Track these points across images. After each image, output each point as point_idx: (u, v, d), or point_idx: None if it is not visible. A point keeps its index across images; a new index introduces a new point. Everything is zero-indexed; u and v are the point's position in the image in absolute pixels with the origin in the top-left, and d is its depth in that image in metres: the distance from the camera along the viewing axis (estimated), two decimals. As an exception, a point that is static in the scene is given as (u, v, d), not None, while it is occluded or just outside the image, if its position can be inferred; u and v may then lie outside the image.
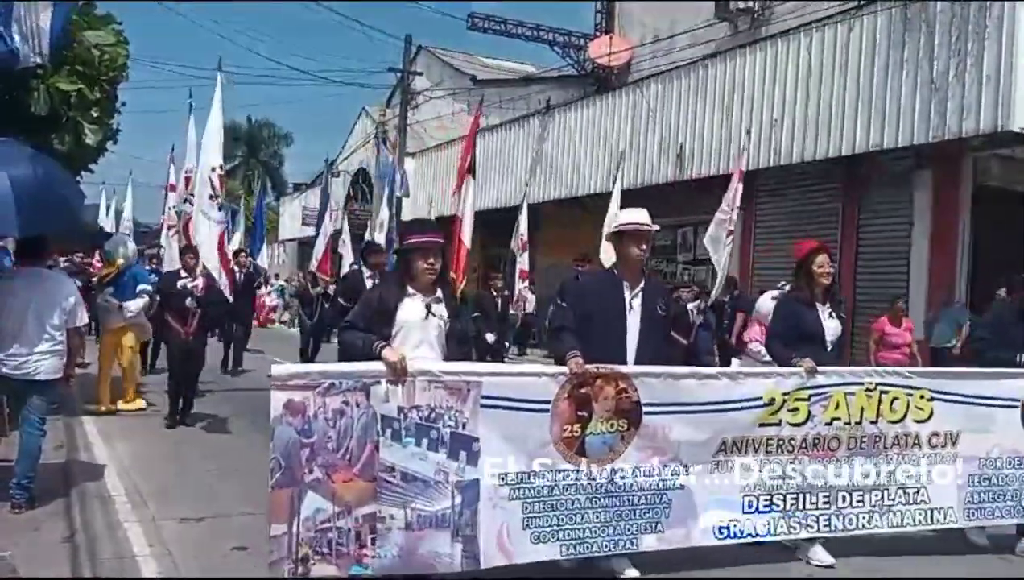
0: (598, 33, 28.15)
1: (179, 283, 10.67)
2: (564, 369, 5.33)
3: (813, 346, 6.12)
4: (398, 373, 4.91)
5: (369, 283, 10.70)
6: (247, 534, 6.25)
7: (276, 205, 50.52)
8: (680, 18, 22.35)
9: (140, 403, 11.58)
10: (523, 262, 16.98)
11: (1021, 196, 14.57)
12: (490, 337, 13.68)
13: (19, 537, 6.15)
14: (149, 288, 11.27)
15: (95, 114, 10.42)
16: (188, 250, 11.25)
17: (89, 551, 5.95)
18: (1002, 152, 14.22)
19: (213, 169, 10.56)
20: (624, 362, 5.54)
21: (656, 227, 5.92)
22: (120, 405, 11.28)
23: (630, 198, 20.83)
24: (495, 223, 24.41)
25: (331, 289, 16.68)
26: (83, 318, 7.28)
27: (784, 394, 5.81)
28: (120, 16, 11.04)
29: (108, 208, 25.60)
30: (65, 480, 7.63)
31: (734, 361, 9.52)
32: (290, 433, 4.76)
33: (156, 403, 11.60)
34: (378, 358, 4.97)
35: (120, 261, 11.30)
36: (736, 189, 13.51)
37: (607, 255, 16.05)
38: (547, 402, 5.24)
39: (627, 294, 5.73)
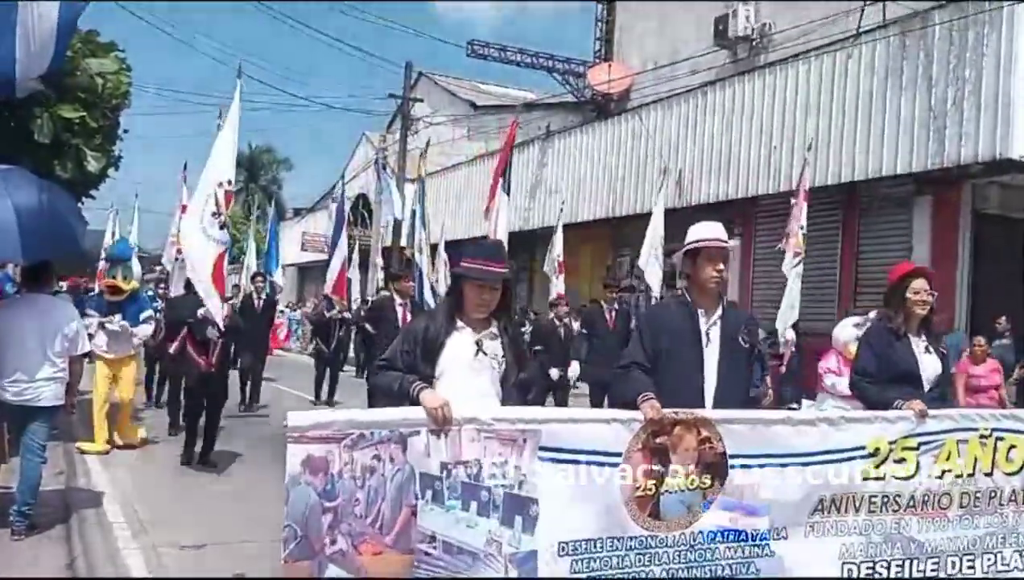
0: (598, 60, 28.31)
1: (200, 311, 9.57)
2: (637, 414, 4.45)
3: (908, 386, 5.27)
4: (441, 421, 4.11)
5: (400, 311, 10.30)
6: (247, 561, 6.25)
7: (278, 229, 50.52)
8: (679, 46, 22.50)
9: (140, 433, 10.78)
10: (559, 286, 16.19)
11: (1020, 223, 14.63)
12: (555, 373, 12.05)
13: (19, 564, 6.14)
14: (153, 313, 10.75)
15: (97, 141, 10.47)
16: None
17: (89, 578, 5.93)
18: (1001, 179, 14.28)
19: (220, 184, 9.34)
20: (700, 406, 4.69)
21: (734, 242, 5.28)
22: (117, 438, 10.41)
23: (629, 222, 21.06)
24: (495, 248, 24.45)
25: (347, 314, 16.39)
26: (85, 346, 7.30)
27: (890, 443, 4.88)
28: (122, 44, 11.14)
29: (113, 234, 25.49)
30: (65, 507, 7.60)
31: (822, 398, 8.32)
32: (309, 495, 3.99)
33: (159, 436, 11.22)
34: (416, 402, 4.20)
35: (135, 283, 10.64)
36: (801, 208, 13.06)
37: (653, 280, 15.75)
38: (617, 455, 4.38)
39: (703, 324, 4.88)
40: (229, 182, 9.45)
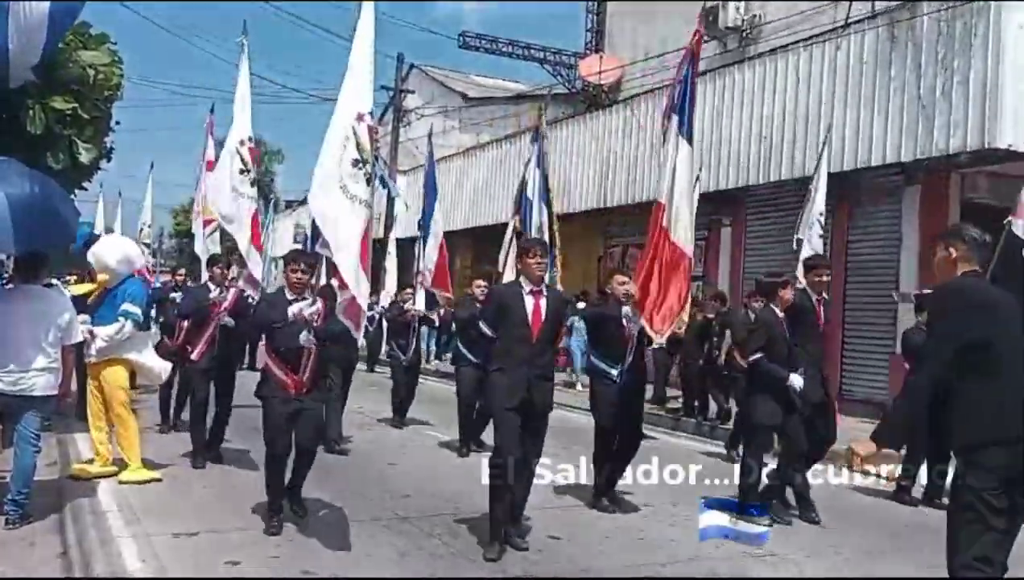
0: (588, 51, 28.32)
1: (291, 311, 6.86)
2: None
3: None
4: None
5: (530, 302, 6.87)
6: (241, 549, 6.33)
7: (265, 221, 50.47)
8: (670, 37, 22.52)
9: (150, 474, 8.49)
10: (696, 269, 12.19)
11: (1008, 211, 14.70)
12: (798, 380, 7.87)
13: (13, 553, 6.19)
14: (135, 310, 8.36)
15: (89, 133, 10.48)
16: (298, 258, 7.31)
17: (83, 566, 5.97)
18: (989, 168, 14.37)
19: (242, 142, 9.42)
20: None
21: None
22: (122, 475, 8.36)
23: (620, 213, 21.11)
24: (486, 240, 24.52)
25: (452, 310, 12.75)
26: (78, 336, 7.34)
27: None
28: (114, 36, 11.15)
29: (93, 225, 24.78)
30: (59, 496, 7.62)
31: None
32: None
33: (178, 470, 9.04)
34: None
35: (103, 276, 8.49)
36: None
37: None
38: None
39: None
40: (250, 139, 9.18)
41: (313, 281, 7.24)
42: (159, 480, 8.46)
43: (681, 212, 8.13)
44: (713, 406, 13.54)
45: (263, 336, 7.30)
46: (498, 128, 28.17)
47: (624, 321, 8.01)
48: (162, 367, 9.02)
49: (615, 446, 8.13)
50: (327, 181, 6.44)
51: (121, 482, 8.28)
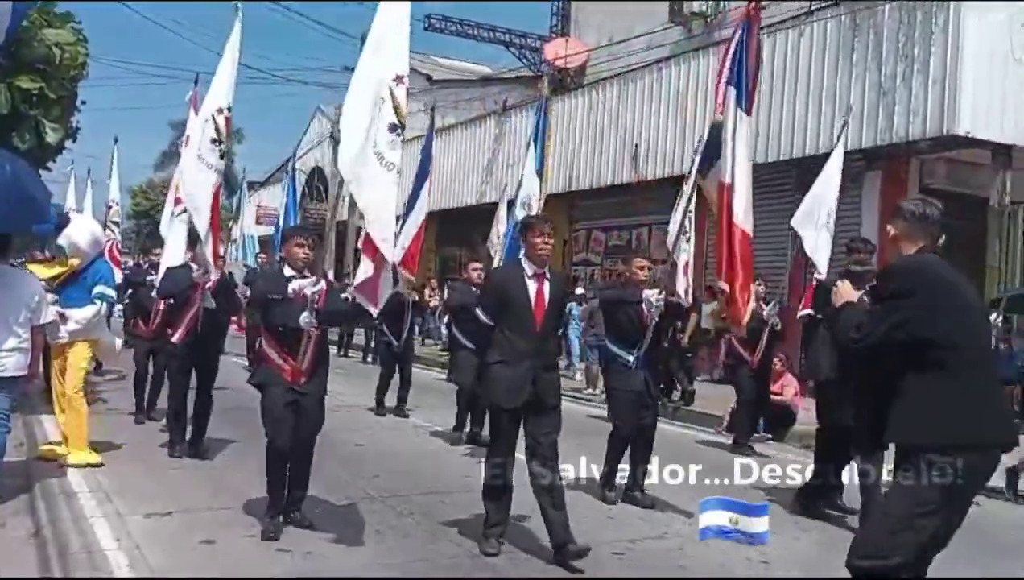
0: (554, 35, 28.33)
1: (291, 287, 6.31)
2: None
3: None
4: None
5: (532, 287, 6.24)
6: (214, 528, 6.37)
7: (229, 204, 50.09)
8: (635, 21, 22.63)
9: (92, 458, 8.22)
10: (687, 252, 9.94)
11: (966, 197, 14.99)
12: None
13: (-15, 534, 6.20)
14: (110, 292, 8.49)
15: (56, 112, 10.40)
16: (304, 233, 6.95)
17: (56, 547, 5.98)
18: (948, 155, 14.64)
19: (220, 110, 8.67)
20: None
21: None
22: (71, 458, 8.12)
23: (585, 197, 21.22)
24: (451, 223, 24.59)
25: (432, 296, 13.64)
26: (47, 316, 7.31)
27: None
28: (79, 15, 11.06)
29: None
30: (28, 478, 7.61)
31: None
32: None
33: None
34: None
35: (74, 261, 8.36)
36: None
37: (821, 253, 10.53)
38: None
39: None
40: (229, 108, 8.62)
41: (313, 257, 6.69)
42: (100, 465, 8.16)
43: (740, 189, 7.62)
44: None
45: (259, 316, 6.78)
46: (463, 111, 28.12)
47: (644, 306, 7.81)
48: (116, 343, 9.04)
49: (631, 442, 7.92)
50: (360, 147, 5.96)
51: (64, 465, 8.07)
